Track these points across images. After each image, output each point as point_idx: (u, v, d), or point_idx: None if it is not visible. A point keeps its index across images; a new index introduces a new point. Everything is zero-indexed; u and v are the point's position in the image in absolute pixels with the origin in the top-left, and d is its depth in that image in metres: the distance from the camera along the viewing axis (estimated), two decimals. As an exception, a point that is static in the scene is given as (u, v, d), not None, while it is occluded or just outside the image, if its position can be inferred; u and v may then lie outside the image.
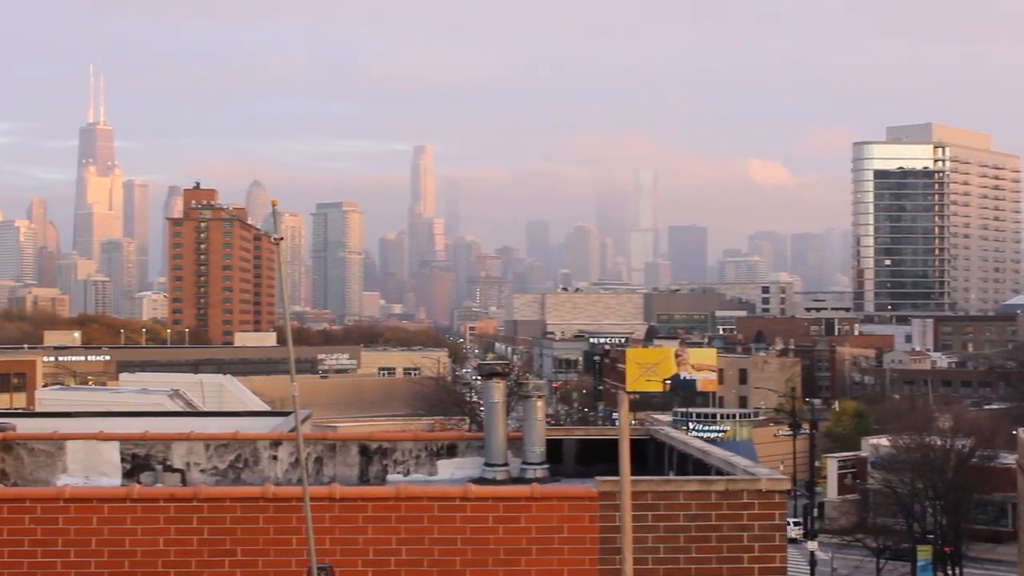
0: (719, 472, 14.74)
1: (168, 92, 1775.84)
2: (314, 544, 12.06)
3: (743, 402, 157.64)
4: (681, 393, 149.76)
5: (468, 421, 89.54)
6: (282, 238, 11.79)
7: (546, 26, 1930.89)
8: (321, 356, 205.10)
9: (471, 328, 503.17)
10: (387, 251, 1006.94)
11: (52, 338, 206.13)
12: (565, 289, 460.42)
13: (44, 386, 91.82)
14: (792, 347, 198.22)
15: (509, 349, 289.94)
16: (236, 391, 71.11)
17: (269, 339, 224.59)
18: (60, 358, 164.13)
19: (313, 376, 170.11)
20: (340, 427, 68.72)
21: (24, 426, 20.50)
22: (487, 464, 17.53)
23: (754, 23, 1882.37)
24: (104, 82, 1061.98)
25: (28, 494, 13.37)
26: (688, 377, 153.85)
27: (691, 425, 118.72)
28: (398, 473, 18.27)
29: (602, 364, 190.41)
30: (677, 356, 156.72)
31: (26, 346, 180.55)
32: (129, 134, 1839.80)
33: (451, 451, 18.63)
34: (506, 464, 17.43)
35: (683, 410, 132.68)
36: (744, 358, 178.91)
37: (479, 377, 22.05)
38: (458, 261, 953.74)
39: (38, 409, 55.00)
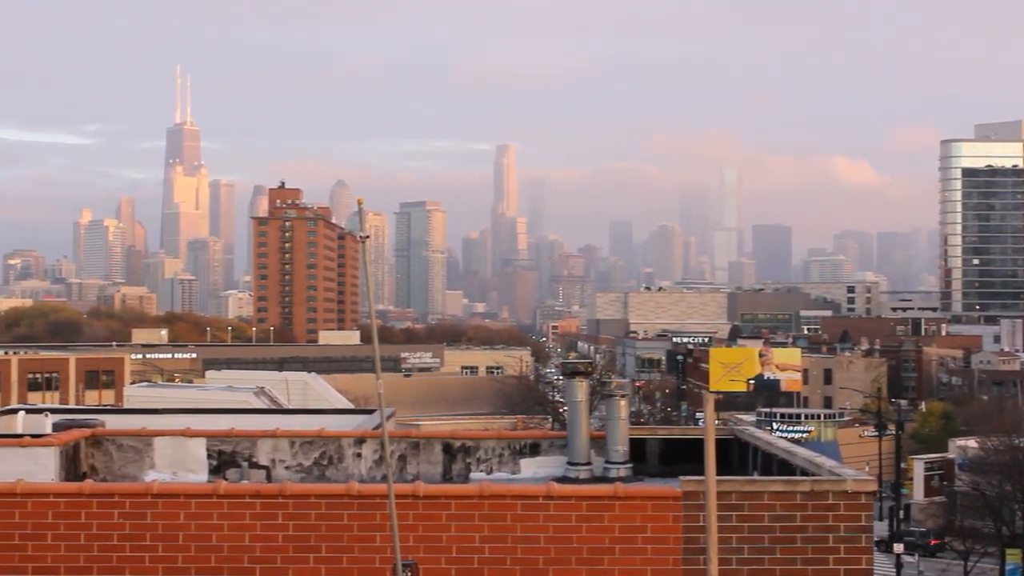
0: (804, 473, 14.58)
1: (253, 93, 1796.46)
2: (399, 541, 12.09)
3: (828, 402, 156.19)
4: (765, 393, 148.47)
5: (551, 420, 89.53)
6: (367, 236, 11.84)
7: (628, 25, 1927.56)
8: (404, 354, 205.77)
9: (554, 327, 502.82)
10: (470, 250, 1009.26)
11: (140, 336, 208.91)
12: (648, 288, 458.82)
13: (132, 383, 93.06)
14: (878, 347, 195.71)
15: (592, 348, 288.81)
16: (320, 389, 71.37)
17: (353, 337, 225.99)
18: (148, 356, 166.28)
19: (396, 374, 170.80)
20: (423, 425, 69.00)
21: (113, 422, 20.78)
22: (570, 463, 17.50)
23: (840, 21, 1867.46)
24: (191, 83, 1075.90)
25: (117, 489, 13.52)
26: (772, 377, 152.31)
27: (775, 425, 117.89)
28: (481, 471, 18.29)
29: (685, 363, 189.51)
30: (761, 356, 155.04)
31: (115, 344, 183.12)
32: (215, 134, 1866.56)
33: (534, 450, 18.62)
34: (589, 463, 17.39)
35: (767, 410, 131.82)
36: (829, 358, 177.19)
37: (562, 376, 22.04)
38: (541, 260, 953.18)
39: (126, 406, 55.59)
